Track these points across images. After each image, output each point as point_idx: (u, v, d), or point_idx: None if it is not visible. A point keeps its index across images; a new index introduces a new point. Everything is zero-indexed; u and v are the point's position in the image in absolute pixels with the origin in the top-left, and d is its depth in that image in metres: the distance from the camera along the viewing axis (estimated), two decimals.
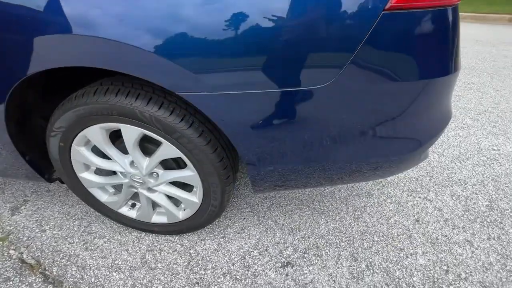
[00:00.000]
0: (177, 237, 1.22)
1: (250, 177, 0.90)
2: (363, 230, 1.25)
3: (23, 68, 0.71)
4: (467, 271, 1.08)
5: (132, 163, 0.98)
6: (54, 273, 1.08)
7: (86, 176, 1.03)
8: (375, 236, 1.23)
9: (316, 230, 1.25)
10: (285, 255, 1.14)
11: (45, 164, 1.10)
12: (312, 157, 0.82)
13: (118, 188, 1.16)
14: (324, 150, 0.80)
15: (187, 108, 0.86)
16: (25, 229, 1.26)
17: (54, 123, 0.88)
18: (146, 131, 0.85)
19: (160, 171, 0.99)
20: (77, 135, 0.90)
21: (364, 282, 1.05)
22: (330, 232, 1.24)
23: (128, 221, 1.16)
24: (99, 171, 1.08)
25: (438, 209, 1.36)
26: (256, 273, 1.08)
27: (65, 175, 1.04)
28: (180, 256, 1.14)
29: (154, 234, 1.23)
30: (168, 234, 1.20)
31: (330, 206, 1.38)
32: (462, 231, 1.25)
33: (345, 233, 1.24)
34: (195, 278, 1.06)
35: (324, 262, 1.12)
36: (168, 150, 0.89)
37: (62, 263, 1.11)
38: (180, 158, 1.04)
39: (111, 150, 0.94)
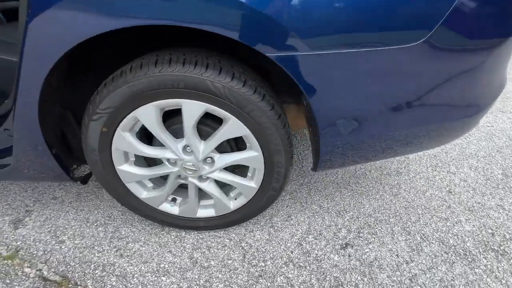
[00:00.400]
0: (222, 232, 1.12)
1: (323, 152, 0.85)
2: (405, 205, 1.27)
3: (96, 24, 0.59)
4: (510, 232, 1.15)
5: (184, 148, 0.88)
6: (90, 286, 0.91)
7: (126, 169, 0.90)
8: (418, 209, 1.25)
9: (362, 209, 1.24)
10: (341, 237, 1.11)
11: (66, 160, 0.94)
12: (396, 123, 0.80)
13: (156, 182, 1.02)
14: (408, 116, 0.79)
15: (255, 79, 0.79)
16: (37, 243, 1.06)
17: (99, 103, 0.75)
18: (212, 106, 0.76)
19: (216, 155, 0.90)
20: (125, 117, 0.78)
21: (424, 253, 1.05)
22: (376, 210, 1.23)
23: (170, 219, 1.04)
24: (138, 162, 0.95)
25: (463, 180, 1.43)
26: (319, 258, 1.02)
27: (100, 169, 0.89)
28: (232, 251, 1.04)
29: (196, 232, 1.11)
30: (214, 229, 1.09)
31: (367, 186, 1.38)
32: (491, 197, 1.33)
33: (390, 209, 1.24)
34: (257, 271, 0.97)
35: (381, 239, 1.10)
36: (234, 127, 0.80)
37: (97, 275, 0.95)
38: (233, 140, 0.95)
39: (164, 134, 0.82)
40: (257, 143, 0.84)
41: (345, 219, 1.19)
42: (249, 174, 0.97)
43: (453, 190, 1.37)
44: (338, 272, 0.98)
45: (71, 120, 0.95)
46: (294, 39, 0.62)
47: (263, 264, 1.00)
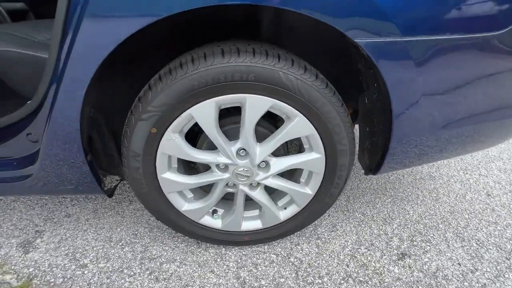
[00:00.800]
0: (266, 247, 1.01)
1: (392, 151, 0.78)
2: (450, 210, 1.21)
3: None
4: None
5: (237, 152, 0.78)
6: None
7: (170, 177, 0.78)
8: (464, 214, 1.19)
9: (408, 216, 1.17)
10: (395, 247, 1.02)
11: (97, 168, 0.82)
12: (465, 120, 0.75)
13: (196, 192, 0.91)
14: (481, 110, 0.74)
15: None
16: (54, 268, 0.90)
17: (152, 100, 0.65)
18: (279, 102, 0.68)
19: (272, 159, 0.81)
20: (179, 116, 0.68)
21: (486, 260, 0.98)
22: (422, 216, 1.17)
23: (211, 233, 0.92)
24: (180, 170, 0.84)
25: (497, 183, 1.40)
26: (378, 271, 0.93)
27: (140, 178, 0.77)
28: (283, 268, 0.93)
29: (237, 248, 0.99)
30: (259, 243, 0.98)
31: (404, 191, 1.32)
32: None
33: (436, 215, 1.18)
34: None
35: (437, 247, 1.03)
36: (299, 126, 0.72)
37: None
38: (285, 143, 0.87)
39: (220, 135, 0.73)
40: (321, 143, 0.76)
41: (393, 227, 1.11)
42: (302, 179, 0.89)
43: (492, 193, 1.33)
44: (404, 286, 0.89)
45: (102, 124, 0.84)
46: (388, 24, 0.56)
47: (320, 281, 0.89)
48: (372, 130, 0.85)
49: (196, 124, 0.75)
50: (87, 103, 0.76)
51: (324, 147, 0.77)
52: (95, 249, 0.98)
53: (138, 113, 0.67)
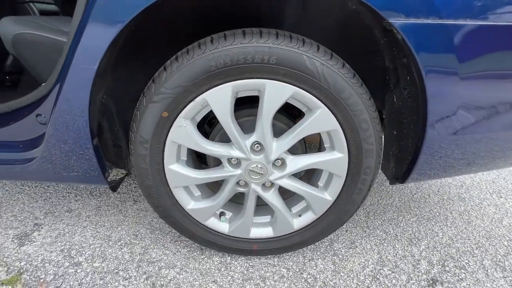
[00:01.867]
0: (276, 259, 0.91)
1: (426, 155, 0.69)
2: (485, 234, 1.07)
3: None
4: None
5: (252, 146, 0.72)
6: None
7: (178, 169, 0.73)
8: (502, 240, 1.05)
9: (437, 238, 1.04)
10: (423, 271, 0.90)
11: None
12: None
13: (203, 190, 0.85)
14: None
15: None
16: (46, 264, 0.84)
17: (165, 81, 0.61)
18: (301, 91, 0.62)
19: (289, 157, 0.74)
20: (192, 100, 0.63)
21: None
22: (454, 240, 1.04)
23: (217, 238, 0.83)
24: (189, 163, 0.78)
25: None
26: None
27: (146, 167, 0.71)
28: (294, 284, 0.82)
29: (244, 257, 0.90)
30: (268, 254, 0.88)
31: (431, 211, 1.20)
32: None
33: (470, 239, 1.05)
34: None
35: (474, 275, 0.89)
36: (321, 120, 0.66)
37: None
38: (302, 140, 0.81)
39: (235, 125, 0.68)
40: (345, 141, 0.69)
41: (421, 249, 0.99)
42: (320, 183, 0.81)
43: None
44: None
45: (113, 112, 0.82)
46: (430, 4, 0.51)
47: None
48: (400, 133, 0.77)
49: (208, 122, 0.70)
50: (100, 88, 0.74)
51: (347, 146, 0.69)
52: (92, 247, 0.91)
53: (150, 94, 0.63)
